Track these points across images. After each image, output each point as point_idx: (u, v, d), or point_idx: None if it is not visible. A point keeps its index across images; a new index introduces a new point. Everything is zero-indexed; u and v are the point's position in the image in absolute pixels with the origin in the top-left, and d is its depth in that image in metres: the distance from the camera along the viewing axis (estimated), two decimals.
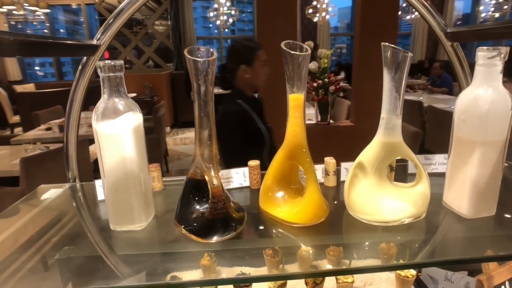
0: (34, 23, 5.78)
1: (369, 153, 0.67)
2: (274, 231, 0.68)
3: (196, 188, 0.67)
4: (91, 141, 3.65)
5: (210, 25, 8.08)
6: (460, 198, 0.68)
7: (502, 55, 0.60)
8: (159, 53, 6.65)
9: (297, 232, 0.67)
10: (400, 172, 0.92)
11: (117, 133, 0.62)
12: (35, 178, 2.42)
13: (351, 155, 0.76)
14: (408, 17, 6.95)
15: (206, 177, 0.63)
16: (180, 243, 0.64)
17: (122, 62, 0.63)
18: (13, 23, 5.98)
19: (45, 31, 6.64)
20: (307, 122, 3.25)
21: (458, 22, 9.03)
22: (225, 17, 6.70)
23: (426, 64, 7.26)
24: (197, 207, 0.66)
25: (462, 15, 9.31)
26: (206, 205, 0.64)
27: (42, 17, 5.62)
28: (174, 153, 5.52)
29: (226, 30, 7.83)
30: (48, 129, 3.90)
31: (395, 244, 0.61)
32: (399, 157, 0.68)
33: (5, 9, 5.28)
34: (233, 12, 6.66)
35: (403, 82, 0.63)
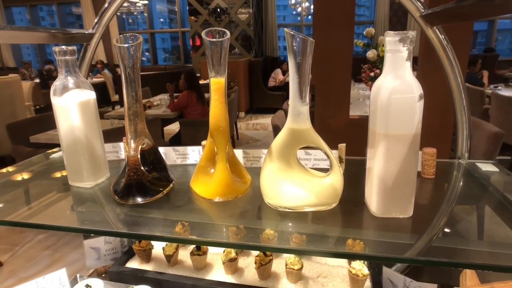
0: (135, 13, 6.61)
1: (278, 139, 0.67)
2: (185, 204, 0.74)
3: None
4: (164, 121, 4.13)
5: (294, 12, 8.03)
6: (370, 194, 0.64)
7: (408, 40, 0.54)
8: (242, 41, 6.93)
9: (207, 207, 0.72)
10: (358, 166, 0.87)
11: (65, 105, 0.76)
12: None
13: None
14: None
15: (127, 148, 0.72)
16: (108, 204, 0.75)
17: (74, 47, 0.76)
18: (118, 14, 6.94)
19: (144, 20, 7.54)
20: (363, 114, 3.08)
21: None
22: (307, 4, 6.60)
23: None
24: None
25: None
26: None
27: (142, 8, 6.37)
28: (244, 137, 5.77)
29: (309, 17, 7.69)
30: None
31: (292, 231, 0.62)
32: (309, 145, 0.67)
33: None
34: None
35: (307, 68, 0.61)
